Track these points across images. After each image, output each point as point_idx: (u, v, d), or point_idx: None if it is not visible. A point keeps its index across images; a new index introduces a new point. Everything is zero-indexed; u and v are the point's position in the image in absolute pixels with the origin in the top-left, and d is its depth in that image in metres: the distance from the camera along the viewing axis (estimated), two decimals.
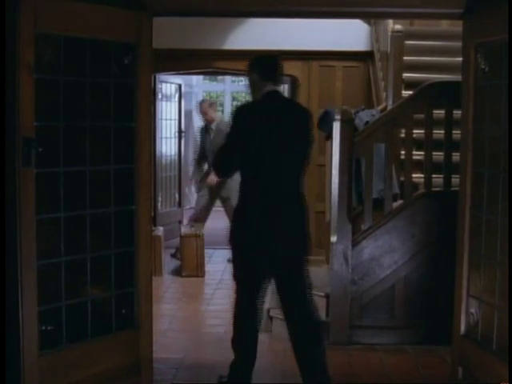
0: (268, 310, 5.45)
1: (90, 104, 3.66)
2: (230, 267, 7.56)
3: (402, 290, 5.03)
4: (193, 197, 12.53)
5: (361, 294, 5.03)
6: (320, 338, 3.90)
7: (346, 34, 7.40)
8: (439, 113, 5.10)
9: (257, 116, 3.70)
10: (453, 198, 4.77)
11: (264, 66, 3.84)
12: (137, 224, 3.90)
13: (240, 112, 3.78)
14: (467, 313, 3.98)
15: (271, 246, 3.69)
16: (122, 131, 3.83)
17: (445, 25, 8.04)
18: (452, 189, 4.96)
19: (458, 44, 7.20)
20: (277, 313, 5.29)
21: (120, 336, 3.87)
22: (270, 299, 5.77)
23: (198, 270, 7.26)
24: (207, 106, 7.90)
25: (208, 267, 7.65)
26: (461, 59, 6.86)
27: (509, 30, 3.50)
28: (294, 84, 7.99)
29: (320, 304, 5.20)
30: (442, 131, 5.06)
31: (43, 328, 3.50)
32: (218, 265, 7.83)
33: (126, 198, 3.87)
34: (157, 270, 6.78)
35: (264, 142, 3.62)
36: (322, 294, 5.16)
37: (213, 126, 7.77)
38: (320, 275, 5.66)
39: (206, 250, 8.20)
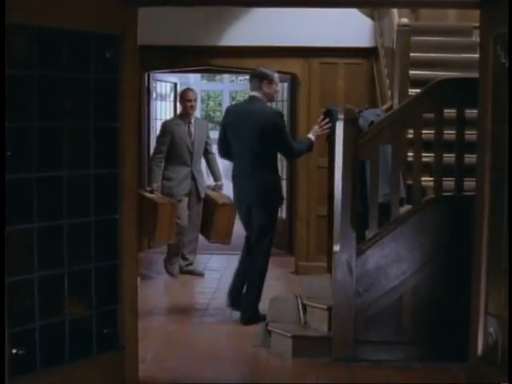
0: (266, 324, 5.10)
1: (68, 102, 3.32)
2: (227, 273, 7.39)
3: (411, 302, 4.73)
4: None
5: (366, 306, 4.72)
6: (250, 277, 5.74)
7: (349, 29, 7.12)
8: (448, 112, 4.77)
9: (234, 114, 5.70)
10: (465, 204, 4.53)
11: None
12: (120, 235, 3.55)
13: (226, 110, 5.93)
14: (485, 332, 3.64)
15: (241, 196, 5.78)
16: (104, 132, 3.49)
17: (451, 19, 7.77)
18: (464, 193, 4.65)
19: (465, 40, 7.12)
20: (275, 327, 4.96)
21: (102, 358, 3.52)
22: (268, 311, 5.46)
23: (226, 238, 7.11)
24: (194, 94, 7.19)
25: (206, 273, 7.37)
26: (468, 55, 6.81)
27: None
28: (294, 82, 7.68)
29: (322, 317, 4.92)
30: (451, 132, 4.75)
31: (15, 352, 3.15)
32: (214, 272, 7.48)
33: (109, 206, 3.52)
34: None
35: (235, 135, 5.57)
36: (324, 306, 4.85)
37: (192, 119, 7.09)
38: (322, 285, 5.33)
39: (203, 255, 7.95)
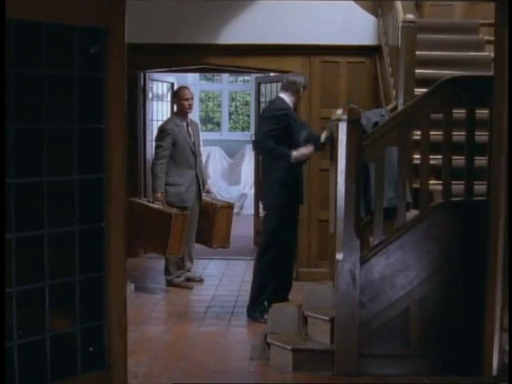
0: (265, 336, 4.84)
1: (49, 101, 3.05)
2: (225, 279, 7.14)
3: (418, 314, 4.50)
4: None
5: (370, 318, 4.49)
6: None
7: (351, 26, 6.91)
8: (457, 112, 4.53)
9: None
10: (475, 209, 4.29)
11: None
12: (107, 244, 3.29)
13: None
14: (500, 350, 3.41)
15: None
16: (89, 134, 3.23)
17: (457, 16, 7.54)
18: (474, 198, 4.41)
19: (473, 37, 6.88)
20: (275, 339, 4.70)
21: (87, 378, 3.27)
22: (267, 322, 5.20)
23: (227, 242, 6.90)
24: (191, 92, 6.87)
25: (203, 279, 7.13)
26: (475, 54, 6.58)
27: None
28: None
29: (324, 329, 4.66)
30: (459, 133, 4.50)
31: None
32: (212, 279, 7.22)
33: (94, 213, 3.26)
34: None
35: None
36: (327, 317, 4.61)
37: (188, 120, 6.79)
38: (324, 295, 5.07)
39: (201, 261, 7.73)
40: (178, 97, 6.79)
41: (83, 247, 3.23)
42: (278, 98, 5.83)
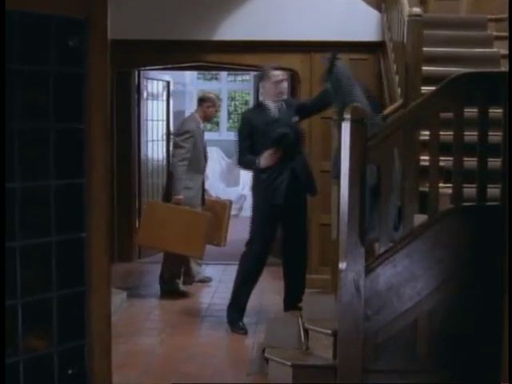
0: (263, 350, 4.54)
1: (21, 99, 2.74)
2: (221, 286, 6.86)
3: (426, 327, 4.21)
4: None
5: (376, 331, 4.19)
6: None
7: (353, 22, 6.68)
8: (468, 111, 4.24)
9: None
10: (489, 215, 4.01)
11: None
12: (88, 256, 2.98)
13: None
14: None
15: None
16: (67, 135, 2.91)
17: (463, 12, 7.28)
18: (488, 203, 4.13)
19: (481, 33, 6.61)
20: (273, 354, 4.40)
21: None
22: (265, 335, 4.91)
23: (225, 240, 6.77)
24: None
25: (197, 287, 6.84)
26: (484, 50, 6.30)
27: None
28: (294, 80, 7.14)
29: (326, 343, 4.38)
30: (471, 133, 4.20)
31: None
32: (209, 285, 6.94)
33: (73, 222, 2.94)
34: None
35: None
36: (329, 331, 4.32)
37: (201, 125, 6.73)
38: (326, 306, 4.77)
39: (198, 266, 7.51)
40: (210, 104, 6.71)
41: (61, 260, 2.91)
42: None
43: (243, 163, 5.57)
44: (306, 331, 4.54)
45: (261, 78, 5.76)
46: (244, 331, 5.36)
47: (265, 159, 5.31)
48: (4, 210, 2.57)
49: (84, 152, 2.97)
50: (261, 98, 5.67)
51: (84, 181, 2.97)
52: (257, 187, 5.51)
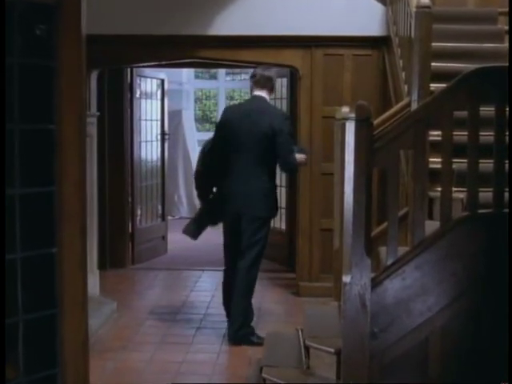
0: (260, 369, 4.19)
1: None
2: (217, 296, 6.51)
3: (438, 345, 3.88)
4: (183, 207, 11.34)
5: (383, 350, 3.85)
6: None
7: (356, 15, 6.42)
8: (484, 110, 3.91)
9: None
10: (507, 223, 3.69)
11: None
12: (60, 275, 2.64)
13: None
14: None
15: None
16: (35, 137, 2.58)
17: (472, 5, 6.98)
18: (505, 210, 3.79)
19: (491, 27, 6.29)
20: (271, 374, 4.06)
21: None
22: (263, 352, 4.56)
23: None
24: None
25: (192, 296, 6.49)
26: (494, 45, 5.97)
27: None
28: (294, 77, 6.82)
29: (329, 362, 4.03)
30: (487, 133, 3.88)
31: None
32: (204, 294, 6.60)
33: (42, 236, 2.61)
34: None
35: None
36: (332, 349, 3.98)
37: None
38: (328, 320, 4.42)
39: (193, 272, 7.23)
40: None
41: (28, 279, 2.58)
42: (261, 100, 5.29)
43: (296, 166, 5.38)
44: (307, 348, 4.20)
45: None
46: (261, 340, 4.96)
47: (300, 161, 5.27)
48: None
49: (54, 156, 2.63)
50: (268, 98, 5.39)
51: (55, 189, 2.64)
52: (273, 196, 5.33)
